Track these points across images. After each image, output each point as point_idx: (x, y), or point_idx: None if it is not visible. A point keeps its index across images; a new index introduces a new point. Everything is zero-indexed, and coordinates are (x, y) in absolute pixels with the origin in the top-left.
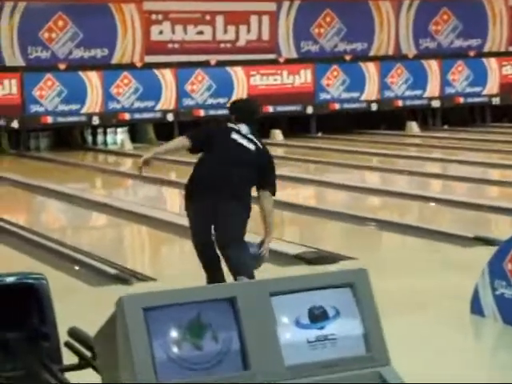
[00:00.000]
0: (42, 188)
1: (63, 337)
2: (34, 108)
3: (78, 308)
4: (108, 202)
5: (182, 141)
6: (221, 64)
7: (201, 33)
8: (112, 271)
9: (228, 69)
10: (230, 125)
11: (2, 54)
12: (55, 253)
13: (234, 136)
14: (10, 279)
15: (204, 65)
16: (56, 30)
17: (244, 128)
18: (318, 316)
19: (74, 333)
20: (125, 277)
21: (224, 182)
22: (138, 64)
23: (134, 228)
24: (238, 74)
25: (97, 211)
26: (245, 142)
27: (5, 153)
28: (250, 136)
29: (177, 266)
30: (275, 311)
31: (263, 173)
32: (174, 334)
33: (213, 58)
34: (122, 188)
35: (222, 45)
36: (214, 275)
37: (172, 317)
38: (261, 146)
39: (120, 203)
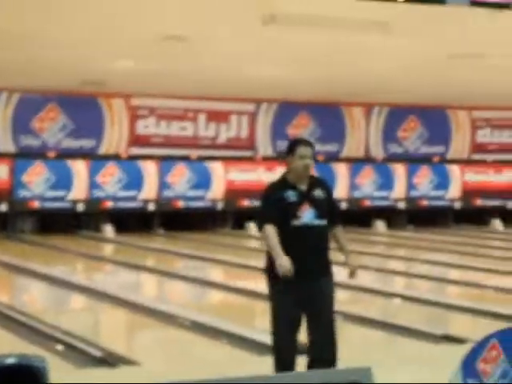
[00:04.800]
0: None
1: None
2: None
3: None
4: (88, 285)
5: None
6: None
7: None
8: (97, 353)
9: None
10: None
11: None
12: (40, 334)
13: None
14: (10, 360)
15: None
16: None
17: None
18: None
19: None
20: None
21: None
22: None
23: (114, 311)
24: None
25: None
26: None
27: None
28: None
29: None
30: None
31: None
32: None
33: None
34: (101, 272)
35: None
36: None
37: None
38: None
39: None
